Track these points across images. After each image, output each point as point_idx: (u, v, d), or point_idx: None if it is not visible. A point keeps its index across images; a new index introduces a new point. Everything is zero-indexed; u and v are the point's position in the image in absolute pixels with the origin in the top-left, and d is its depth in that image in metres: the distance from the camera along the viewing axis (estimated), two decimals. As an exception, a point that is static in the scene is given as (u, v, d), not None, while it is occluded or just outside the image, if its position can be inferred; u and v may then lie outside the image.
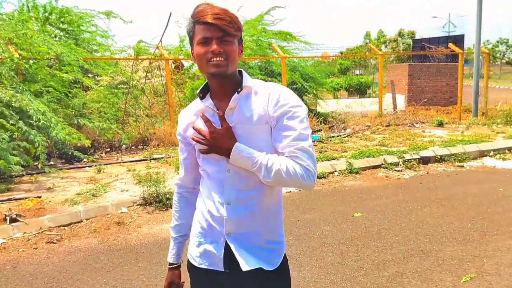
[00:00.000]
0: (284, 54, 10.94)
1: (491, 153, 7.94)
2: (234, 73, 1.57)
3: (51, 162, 7.20)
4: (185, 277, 1.76)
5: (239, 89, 1.56)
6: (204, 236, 1.66)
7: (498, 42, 60.53)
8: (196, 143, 1.58)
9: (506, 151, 8.05)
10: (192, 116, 1.64)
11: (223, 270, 1.61)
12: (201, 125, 1.57)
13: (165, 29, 9.49)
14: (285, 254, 1.68)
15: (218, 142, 1.51)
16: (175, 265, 1.81)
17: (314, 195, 5.84)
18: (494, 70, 53.16)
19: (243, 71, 1.62)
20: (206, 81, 1.62)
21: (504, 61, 61.48)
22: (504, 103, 13.07)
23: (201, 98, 1.61)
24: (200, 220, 1.68)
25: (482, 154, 7.92)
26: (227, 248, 1.59)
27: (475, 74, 12.37)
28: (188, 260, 1.71)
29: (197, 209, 1.72)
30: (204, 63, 1.50)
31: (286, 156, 1.51)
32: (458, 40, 18.45)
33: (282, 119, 1.52)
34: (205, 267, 1.65)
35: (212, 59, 1.47)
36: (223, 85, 1.55)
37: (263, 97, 1.56)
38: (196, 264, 1.67)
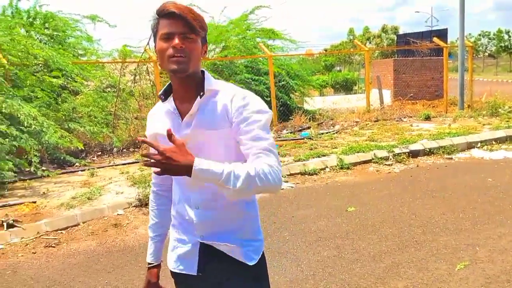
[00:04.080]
0: (271, 52, 11.02)
1: (479, 145, 8.12)
2: (195, 73, 1.52)
3: (43, 168, 7.16)
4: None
5: (201, 93, 1.51)
6: (178, 240, 1.65)
7: (480, 35, 61.45)
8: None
9: (493, 142, 8.23)
10: (158, 117, 1.61)
11: (196, 274, 1.59)
12: (161, 136, 1.50)
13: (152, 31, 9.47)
14: (263, 253, 1.64)
15: (172, 160, 1.32)
16: (153, 265, 1.78)
17: (308, 192, 5.93)
18: (478, 63, 53.95)
19: (205, 72, 1.57)
20: (169, 82, 1.59)
21: (487, 54, 62.44)
22: (488, 95, 13.30)
23: (163, 100, 1.58)
24: (174, 223, 1.68)
25: (470, 146, 8.09)
26: (201, 251, 1.58)
27: (460, 67, 12.58)
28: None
29: (171, 213, 1.71)
30: (165, 59, 1.46)
31: (253, 156, 1.43)
32: (442, 34, 18.72)
33: (244, 123, 1.46)
34: (179, 271, 1.64)
35: (174, 55, 1.44)
36: (184, 85, 1.52)
37: (225, 100, 1.50)
38: (171, 268, 1.67)
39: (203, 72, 1.56)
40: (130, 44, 10.34)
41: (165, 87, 1.60)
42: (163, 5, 1.48)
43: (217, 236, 1.57)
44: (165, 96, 1.58)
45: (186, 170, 1.32)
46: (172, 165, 1.32)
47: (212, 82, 1.55)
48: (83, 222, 5.01)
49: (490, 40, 61.04)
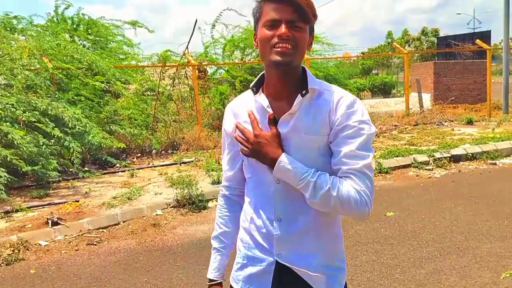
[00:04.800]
0: (308, 55, 10.98)
1: (524, 150, 7.79)
2: (298, 67, 1.34)
3: (85, 168, 7.41)
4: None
5: (304, 91, 1.32)
6: (249, 258, 1.43)
7: (526, 37, 58.98)
8: (238, 143, 1.39)
9: (540, 148, 7.87)
10: (241, 111, 1.43)
11: None
12: (247, 124, 1.37)
13: (191, 35, 9.66)
14: (346, 283, 1.45)
15: (262, 148, 1.30)
16: (216, 282, 1.54)
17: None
18: (523, 66, 51.75)
19: (306, 69, 1.38)
20: (261, 73, 1.42)
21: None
22: (535, 99, 12.75)
23: (255, 93, 1.39)
24: (244, 238, 1.46)
25: (515, 151, 7.77)
26: (277, 271, 1.38)
27: (505, 70, 12.14)
28: (230, 285, 1.50)
29: (240, 225, 1.50)
30: (268, 49, 1.28)
31: (339, 176, 1.27)
32: (485, 36, 18.13)
33: (344, 132, 1.28)
34: None
35: (278, 45, 1.25)
36: (283, 80, 1.33)
37: (330, 102, 1.32)
38: None
39: (303, 68, 1.38)
40: (171, 50, 10.59)
41: (256, 79, 1.42)
42: None
43: (298, 257, 1.36)
44: (256, 89, 1.40)
45: (270, 162, 1.30)
46: (260, 151, 1.32)
47: (315, 81, 1.35)
48: (123, 221, 5.14)
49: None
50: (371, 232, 4.49)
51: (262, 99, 1.36)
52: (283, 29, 1.24)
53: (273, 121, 1.32)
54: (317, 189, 1.24)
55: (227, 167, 1.55)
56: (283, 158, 1.28)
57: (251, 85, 1.41)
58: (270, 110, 1.34)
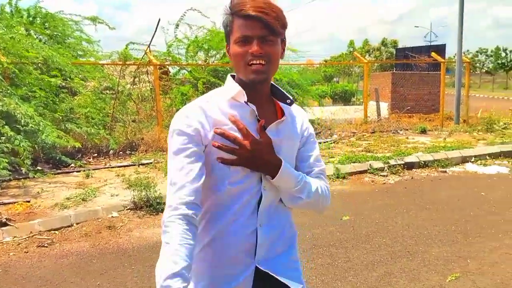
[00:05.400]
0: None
1: (473, 159, 8.16)
2: (271, 79, 1.40)
3: (38, 167, 7.15)
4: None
5: (288, 100, 1.41)
6: (218, 279, 1.35)
7: (477, 52, 61.94)
8: (213, 151, 1.29)
9: (487, 157, 8.28)
10: (216, 114, 1.32)
11: None
12: (231, 130, 1.30)
13: (154, 34, 9.54)
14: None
15: (263, 156, 1.29)
16: None
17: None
18: (474, 79, 54.32)
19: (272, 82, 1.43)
20: (230, 77, 1.41)
21: (484, 71, 62.90)
22: (484, 111, 13.43)
23: (247, 100, 1.33)
24: (211, 258, 1.35)
25: (464, 160, 8.13)
26: (256, 279, 1.36)
27: (457, 82, 12.70)
28: None
29: (201, 248, 1.35)
30: (242, 66, 1.30)
31: (315, 174, 1.44)
32: (440, 49, 18.91)
33: (311, 139, 1.47)
34: None
35: (252, 62, 1.27)
36: (259, 90, 1.36)
37: (300, 112, 1.49)
38: None
39: None
40: (136, 41, 10.40)
41: (230, 85, 1.38)
42: (239, 1, 1.29)
43: (274, 261, 1.38)
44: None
45: (274, 167, 1.30)
46: (261, 158, 1.29)
47: (284, 91, 1.43)
48: (77, 223, 5.00)
49: (487, 57, 61.54)
50: (327, 235, 4.58)
51: (249, 104, 1.34)
52: (255, 46, 1.26)
53: (263, 130, 1.33)
54: (310, 189, 1.37)
55: (190, 178, 1.24)
56: (285, 164, 1.33)
57: (235, 93, 1.34)
58: (255, 115, 1.34)
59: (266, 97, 1.41)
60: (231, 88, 1.36)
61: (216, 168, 1.31)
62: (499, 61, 58.45)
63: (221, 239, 1.33)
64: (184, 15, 11.08)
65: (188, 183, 1.23)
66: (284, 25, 1.30)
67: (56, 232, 4.79)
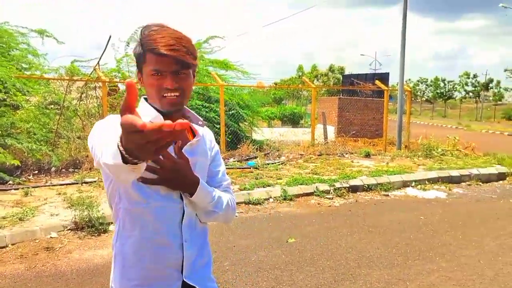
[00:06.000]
0: (223, 82, 11.17)
1: (413, 184, 8.55)
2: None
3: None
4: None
5: (200, 122, 1.52)
6: None
7: (418, 81, 65.43)
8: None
9: (426, 182, 8.70)
10: None
11: None
12: None
13: (104, 51, 9.36)
14: None
15: (181, 175, 1.36)
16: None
17: (250, 221, 5.96)
18: (415, 107, 57.40)
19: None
20: (143, 99, 1.45)
21: (424, 99, 66.47)
22: (424, 137, 14.15)
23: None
24: (135, 276, 1.42)
25: (405, 184, 8.50)
26: None
27: (399, 110, 13.34)
28: None
29: (123, 268, 1.43)
30: (156, 97, 1.35)
31: (223, 188, 1.59)
32: (384, 77, 19.78)
33: (217, 156, 1.61)
34: None
35: (166, 95, 1.33)
36: (173, 116, 1.39)
37: (208, 132, 1.60)
38: None
39: None
40: (80, 59, 10.11)
41: (143, 107, 1.42)
42: (151, 38, 1.32)
43: (199, 274, 1.50)
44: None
45: (193, 184, 1.40)
46: (180, 177, 1.36)
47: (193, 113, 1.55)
48: (12, 244, 4.73)
49: (427, 86, 65.14)
50: (272, 258, 4.61)
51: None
52: (169, 80, 1.32)
53: (180, 150, 1.40)
54: (222, 203, 1.51)
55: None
56: (202, 182, 1.43)
57: (153, 118, 1.36)
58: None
59: (179, 118, 1.46)
60: (148, 112, 1.38)
61: (136, 187, 1.35)
62: (438, 91, 62.05)
63: (149, 249, 1.40)
64: (136, 32, 10.96)
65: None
66: (195, 56, 1.38)
67: (-12, 254, 4.50)
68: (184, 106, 1.47)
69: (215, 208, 1.49)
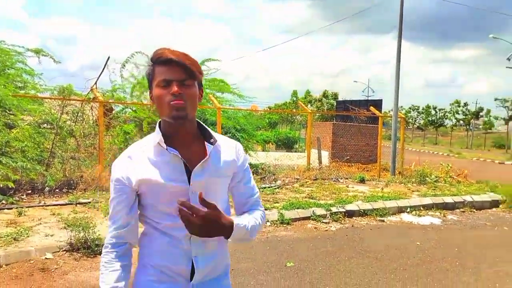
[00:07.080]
0: (220, 104, 11.24)
1: (408, 209, 8.57)
2: (193, 119, 1.54)
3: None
4: None
5: (211, 140, 1.55)
6: None
7: (410, 108, 66.25)
8: (150, 192, 1.50)
9: (421, 208, 8.72)
10: (144, 161, 1.50)
11: None
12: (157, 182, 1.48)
13: (102, 71, 9.42)
14: None
15: (214, 225, 1.41)
16: None
17: (248, 245, 5.90)
18: (407, 133, 57.87)
19: (201, 122, 1.61)
20: (157, 125, 1.55)
21: (416, 126, 67.18)
22: (417, 164, 14.25)
23: (165, 146, 1.49)
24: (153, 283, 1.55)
25: (401, 210, 8.51)
26: None
27: (393, 136, 13.48)
28: None
29: (143, 273, 1.57)
30: (164, 106, 1.45)
31: (251, 205, 1.65)
32: (377, 104, 20.07)
33: (247, 172, 1.66)
34: None
35: (172, 101, 1.43)
36: (183, 131, 1.51)
37: (231, 148, 1.61)
38: None
39: (198, 122, 1.60)
40: (72, 86, 10.09)
41: (155, 134, 1.53)
42: (158, 51, 1.47)
43: (208, 282, 1.60)
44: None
45: (228, 230, 1.45)
46: (214, 227, 1.41)
47: (212, 132, 1.59)
48: (6, 265, 4.64)
49: (419, 114, 65.93)
50: (271, 282, 4.56)
51: (170, 149, 1.48)
52: (175, 87, 1.43)
53: (205, 201, 1.38)
54: (255, 229, 1.56)
55: (121, 219, 1.55)
56: (236, 223, 1.47)
57: (158, 140, 1.50)
58: (179, 158, 1.48)
59: (194, 136, 1.56)
60: (156, 135, 1.52)
61: (149, 208, 1.54)
62: (429, 118, 62.83)
63: (160, 258, 1.53)
64: (132, 56, 11.00)
65: (122, 222, 1.53)
66: (200, 71, 1.50)
67: (-19, 274, 4.41)
68: (200, 122, 1.60)
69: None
